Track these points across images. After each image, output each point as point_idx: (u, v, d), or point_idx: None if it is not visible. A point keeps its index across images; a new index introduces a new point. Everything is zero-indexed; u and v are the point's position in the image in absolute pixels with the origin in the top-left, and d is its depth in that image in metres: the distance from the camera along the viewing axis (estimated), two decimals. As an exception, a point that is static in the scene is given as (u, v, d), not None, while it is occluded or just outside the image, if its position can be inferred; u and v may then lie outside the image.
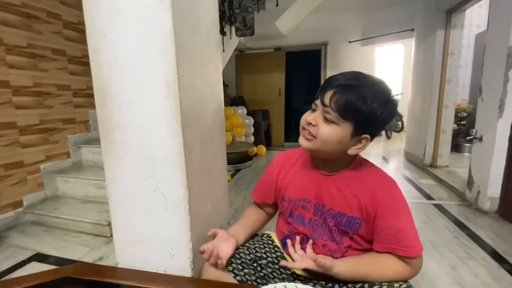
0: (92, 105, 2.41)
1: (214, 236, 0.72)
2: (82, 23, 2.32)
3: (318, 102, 0.62)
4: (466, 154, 3.54)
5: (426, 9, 3.05)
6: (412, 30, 3.69)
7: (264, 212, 0.85)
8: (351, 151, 0.63)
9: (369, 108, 0.57)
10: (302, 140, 0.66)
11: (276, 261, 0.75)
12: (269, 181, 0.80)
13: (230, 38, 3.20)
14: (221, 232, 0.73)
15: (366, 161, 0.71)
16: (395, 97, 0.62)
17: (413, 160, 3.40)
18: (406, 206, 0.64)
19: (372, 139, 0.62)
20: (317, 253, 0.69)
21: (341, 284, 0.66)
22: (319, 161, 0.71)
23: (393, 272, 0.61)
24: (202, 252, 0.68)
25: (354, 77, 0.61)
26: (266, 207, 0.84)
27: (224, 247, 0.70)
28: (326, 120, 0.60)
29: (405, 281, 0.59)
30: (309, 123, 0.63)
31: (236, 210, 2.08)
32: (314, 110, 0.64)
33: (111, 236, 1.64)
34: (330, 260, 0.62)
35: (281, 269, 0.74)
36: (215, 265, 0.68)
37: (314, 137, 0.62)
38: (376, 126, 0.62)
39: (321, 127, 0.61)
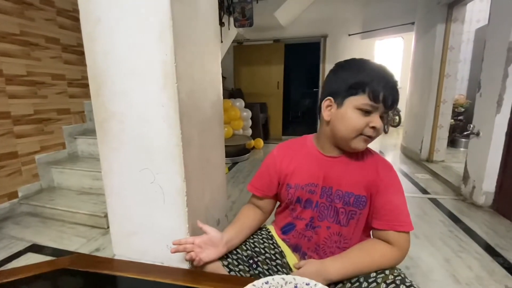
0: (87, 96, 2.36)
1: (203, 230, 0.72)
2: (76, 10, 2.25)
3: (379, 105, 0.61)
4: (462, 149, 3.58)
5: (427, 2, 3.02)
6: (413, 23, 3.66)
7: (261, 212, 0.82)
8: None
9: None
10: (363, 145, 0.65)
11: (274, 257, 0.75)
12: (270, 171, 0.78)
13: (229, 29, 3.14)
14: (214, 233, 0.71)
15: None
16: None
17: (409, 155, 3.42)
18: (401, 186, 0.69)
19: None
20: (322, 236, 0.71)
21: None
22: (329, 146, 0.70)
23: (380, 255, 0.62)
24: (174, 252, 0.71)
25: (391, 74, 0.64)
26: (264, 202, 0.81)
27: (210, 252, 0.69)
28: (383, 119, 0.63)
29: (399, 273, 0.59)
30: (374, 127, 0.63)
31: (233, 203, 2.08)
32: (369, 112, 0.62)
33: (108, 227, 1.63)
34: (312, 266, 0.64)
35: (278, 267, 0.74)
36: (191, 260, 0.69)
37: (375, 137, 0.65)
38: None
39: (381, 127, 0.64)
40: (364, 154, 0.70)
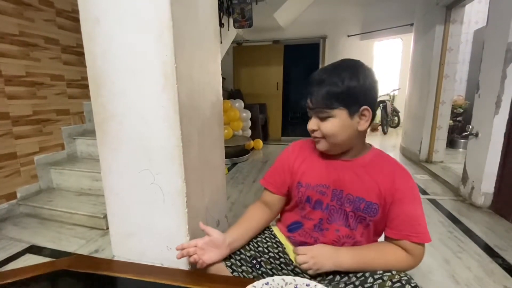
0: (86, 96, 2.36)
1: (206, 231, 0.71)
2: (75, 11, 2.27)
3: (308, 110, 0.68)
4: (460, 150, 3.58)
5: (426, 3, 3.03)
6: (411, 25, 3.67)
7: (269, 211, 0.81)
8: (361, 127, 0.66)
9: (345, 87, 0.62)
10: (317, 145, 0.71)
11: (277, 256, 0.75)
12: (284, 167, 0.78)
13: (228, 30, 3.15)
14: (216, 235, 0.69)
15: (381, 151, 0.73)
16: (365, 67, 0.65)
17: (408, 156, 3.43)
18: (419, 196, 0.67)
19: (373, 107, 0.65)
20: (330, 238, 0.71)
21: (342, 275, 0.66)
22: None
23: (394, 258, 0.62)
24: (180, 257, 0.69)
25: (322, 72, 0.66)
26: (275, 199, 0.80)
27: (212, 254, 0.68)
28: (322, 119, 0.65)
29: (405, 274, 0.60)
30: (313, 130, 0.68)
31: (232, 203, 2.08)
32: (311, 117, 0.69)
33: (107, 228, 1.63)
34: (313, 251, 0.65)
35: (282, 265, 0.74)
36: (194, 263, 0.68)
37: (323, 137, 0.67)
38: (365, 97, 0.64)
39: (322, 126, 0.66)
40: (381, 161, 0.69)
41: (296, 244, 0.77)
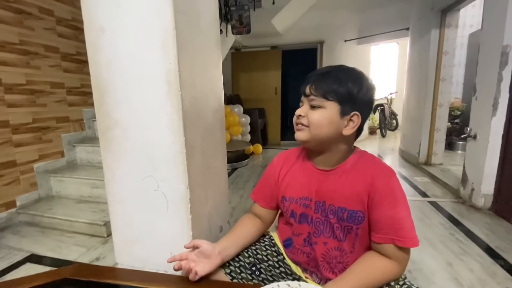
0: (86, 103, 2.36)
1: (194, 248, 0.68)
2: (75, 19, 2.29)
3: (302, 97, 0.67)
4: (459, 152, 3.60)
5: (421, 8, 3.08)
6: (407, 29, 3.72)
7: (261, 222, 0.79)
8: (346, 131, 0.64)
9: (345, 87, 0.62)
10: (296, 134, 0.68)
11: (277, 265, 0.74)
12: (270, 182, 0.77)
13: (226, 36, 3.18)
14: (205, 245, 0.67)
15: (365, 152, 0.70)
16: (369, 79, 0.66)
17: (408, 158, 3.44)
18: (403, 196, 0.62)
19: (363, 117, 0.64)
20: (319, 252, 0.69)
21: None
22: (318, 157, 0.69)
23: (381, 273, 0.59)
24: (177, 269, 0.65)
25: (329, 67, 0.68)
26: (265, 212, 0.79)
27: (204, 265, 0.65)
28: (313, 107, 0.64)
29: (404, 282, 0.59)
30: (299, 115, 0.67)
31: (233, 209, 2.07)
32: (302, 105, 0.69)
33: (108, 236, 1.62)
34: None
35: (282, 274, 0.73)
36: (187, 274, 0.65)
37: (307, 126, 0.65)
38: (360, 104, 0.64)
39: (310, 114, 0.65)
40: (362, 163, 0.66)
41: (292, 261, 0.76)
